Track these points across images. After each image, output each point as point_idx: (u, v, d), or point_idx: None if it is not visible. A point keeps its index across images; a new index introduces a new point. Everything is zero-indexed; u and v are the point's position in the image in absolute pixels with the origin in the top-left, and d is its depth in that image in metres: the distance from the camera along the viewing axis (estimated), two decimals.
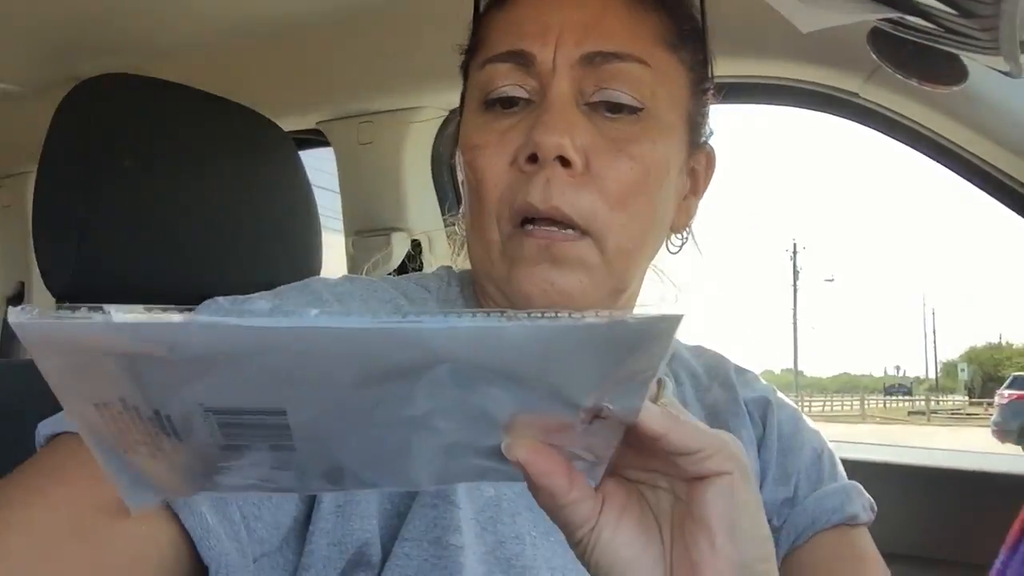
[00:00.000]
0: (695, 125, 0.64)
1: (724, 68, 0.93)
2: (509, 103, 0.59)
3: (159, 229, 0.83)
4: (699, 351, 0.75)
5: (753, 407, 0.70)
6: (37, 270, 0.81)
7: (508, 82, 0.59)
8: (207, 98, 0.89)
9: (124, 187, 0.80)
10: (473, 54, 0.64)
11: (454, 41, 0.67)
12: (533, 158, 0.56)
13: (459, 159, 0.63)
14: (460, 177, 0.64)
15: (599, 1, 0.60)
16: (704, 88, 0.65)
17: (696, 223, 0.68)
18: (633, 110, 0.58)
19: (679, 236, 0.68)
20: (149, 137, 0.84)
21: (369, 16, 1.05)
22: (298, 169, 0.96)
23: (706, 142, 0.67)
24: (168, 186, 0.84)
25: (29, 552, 0.39)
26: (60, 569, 0.40)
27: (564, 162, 0.55)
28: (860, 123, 0.91)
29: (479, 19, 0.65)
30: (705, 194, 0.68)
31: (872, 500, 0.68)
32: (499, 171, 0.58)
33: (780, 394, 0.73)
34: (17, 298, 1.55)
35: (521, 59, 0.58)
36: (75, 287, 0.79)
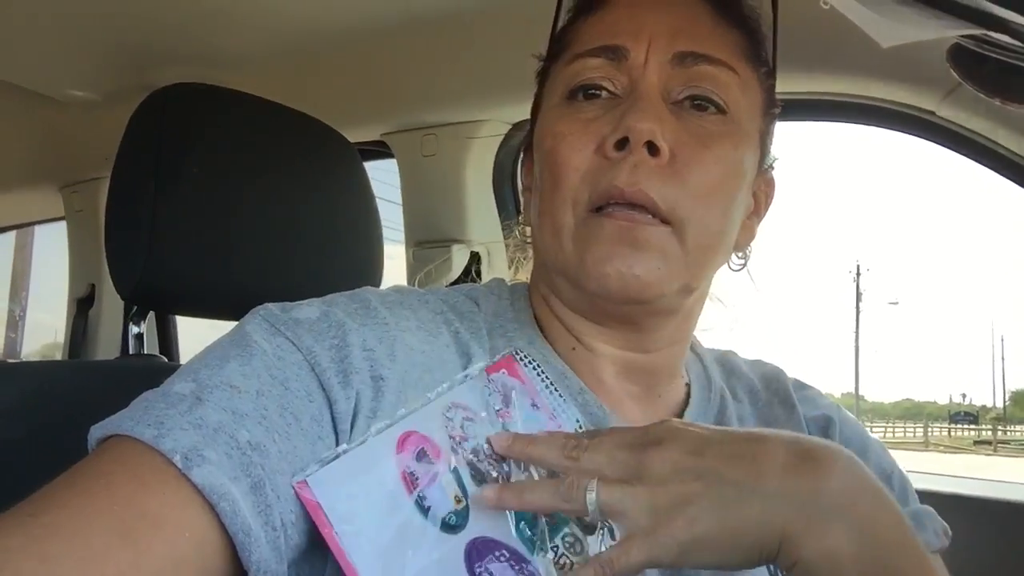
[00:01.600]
0: (764, 146, 0.64)
1: (797, 84, 0.92)
2: (594, 94, 0.60)
3: (224, 235, 0.84)
4: (758, 365, 0.73)
5: (814, 426, 0.68)
6: (108, 273, 0.84)
7: (598, 74, 0.60)
8: (275, 108, 0.90)
9: (192, 194, 0.82)
10: (555, 59, 0.64)
11: (520, 54, 0.67)
12: (622, 143, 0.56)
13: (536, 151, 0.63)
14: (523, 183, 0.63)
15: (689, 9, 0.61)
16: (772, 112, 0.65)
17: (755, 247, 0.68)
18: (719, 110, 0.59)
19: (739, 256, 0.67)
20: (218, 146, 0.85)
21: (435, 29, 1.06)
22: (362, 179, 0.97)
23: (770, 167, 0.67)
24: (234, 194, 0.85)
25: (73, 557, 0.40)
26: (103, 573, 0.40)
27: (651, 151, 0.56)
28: (935, 142, 0.88)
29: (565, 27, 0.66)
30: (764, 220, 0.68)
31: (946, 525, 0.65)
32: (582, 157, 0.58)
33: (845, 411, 0.71)
34: (87, 300, 1.59)
35: (614, 54, 0.59)
36: (143, 290, 0.81)
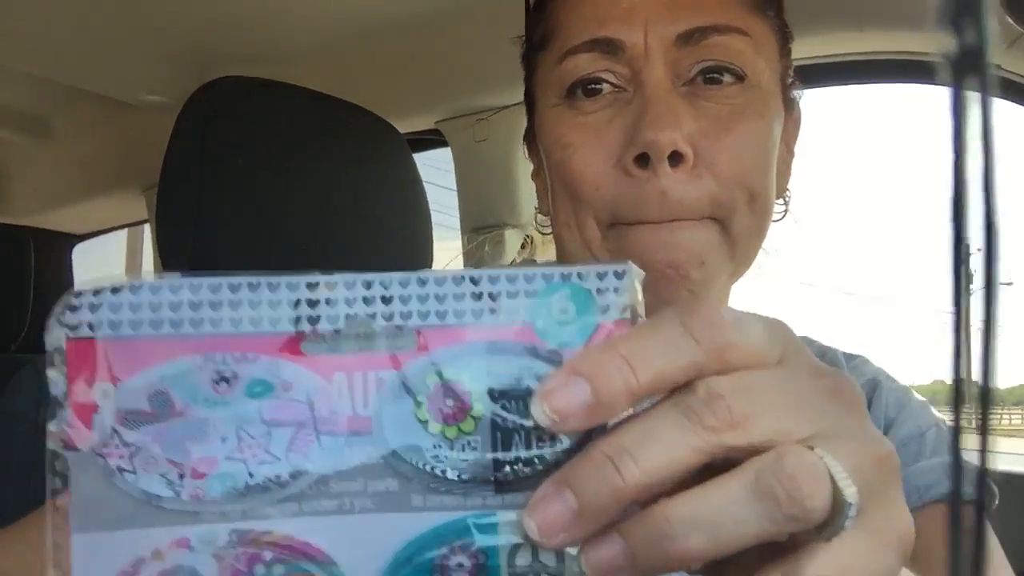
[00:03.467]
0: (786, 87, 0.60)
1: (846, 45, 0.88)
2: (594, 89, 0.55)
3: (272, 226, 0.86)
4: (807, 342, 0.70)
5: (864, 391, 0.65)
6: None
7: (594, 67, 0.55)
8: (320, 98, 0.91)
9: (238, 187, 0.83)
10: (542, 47, 0.59)
11: None
12: (642, 158, 0.51)
13: (543, 151, 0.59)
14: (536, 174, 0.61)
15: None
16: (788, 48, 0.60)
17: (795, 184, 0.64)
18: (736, 77, 0.54)
19: (781, 201, 0.63)
20: (265, 137, 0.87)
21: (486, 11, 1.05)
22: (411, 170, 0.98)
23: (795, 100, 0.62)
24: (281, 185, 0.87)
25: None
26: None
27: (675, 158, 0.51)
28: (1004, 98, 0.83)
29: (542, 5, 0.61)
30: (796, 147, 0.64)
31: (992, 484, 0.61)
32: (600, 173, 0.53)
33: (889, 375, 0.68)
34: None
35: (607, 47, 0.54)
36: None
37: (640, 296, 0.26)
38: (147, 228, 2.00)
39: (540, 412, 0.24)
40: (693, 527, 0.23)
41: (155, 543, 0.25)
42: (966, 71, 0.14)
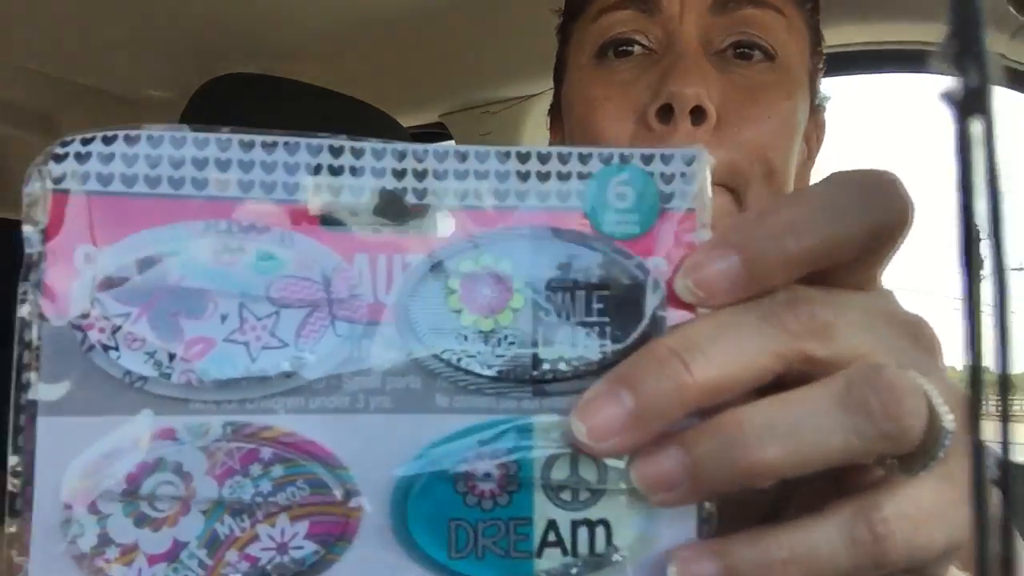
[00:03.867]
0: (814, 88, 0.60)
1: (850, 36, 0.87)
2: (625, 51, 0.55)
3: None
4: None
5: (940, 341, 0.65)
6: None
7: (629, 27, 0.55)
8: (322, 93, 0.92)
9: None
10: (578, 14, 0.60)
11: None
12: (665, 111, 0.51)
13: (566, 117, 0.60)
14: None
15: None
16: (819, 51, 0.61)
17: None
18: (767, 55, 0.54)
19: None
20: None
21: (490, 2, 1.05)
22: None
23: (820, 106, 0.62)
24: None
25: None
26: None
27: (698, 115, 0.51)
28: (1008, 87, 0.82)
29: None
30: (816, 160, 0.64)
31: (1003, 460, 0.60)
32: (623, 127, 0.53)
33: None
34: None
35: (644, 6, 0.54)
36: None
37: (709, 186, 0.24)
38: None
39: (683, 287, 0.22)
40: (770, 435, 0.21)
41: (136, 431, 0.21)
42: (971, 110, 0.14)
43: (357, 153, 0.23)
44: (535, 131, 1.19)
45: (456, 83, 1.21)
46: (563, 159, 0.23)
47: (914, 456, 0.22)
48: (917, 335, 0.24)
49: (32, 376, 0.21)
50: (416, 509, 0.22)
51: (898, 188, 0.23)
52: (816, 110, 0.61)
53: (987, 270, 0.14)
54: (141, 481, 0.21)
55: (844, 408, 0.21)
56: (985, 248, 0.14)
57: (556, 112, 0.65)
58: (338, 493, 0.22)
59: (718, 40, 0.54)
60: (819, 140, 0.63)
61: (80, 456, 0.21)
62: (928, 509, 0.22)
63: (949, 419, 0.22)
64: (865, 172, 0.23)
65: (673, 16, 0.54)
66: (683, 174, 0.23)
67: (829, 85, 0.65)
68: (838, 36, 0.88)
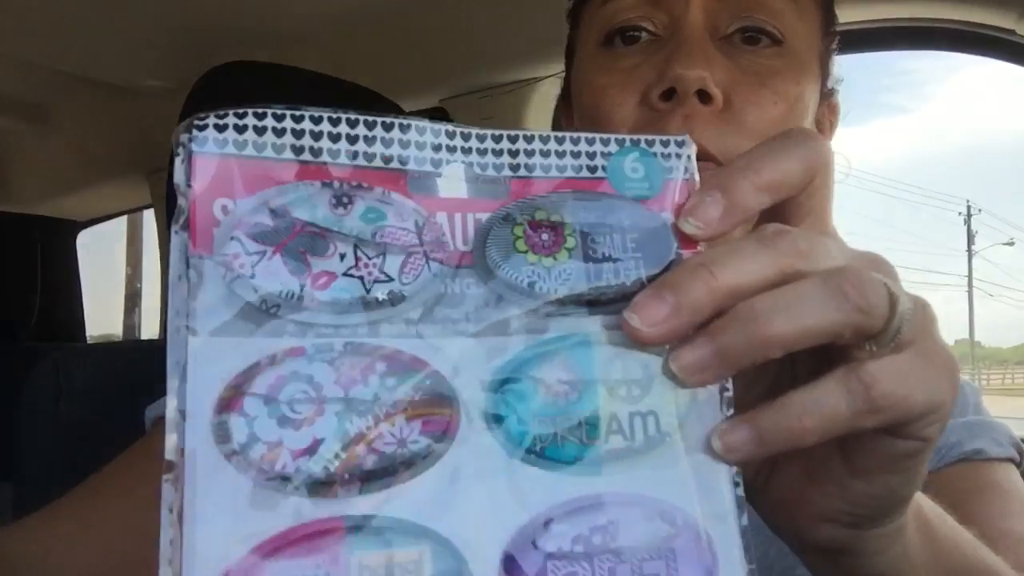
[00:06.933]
0: (825, 70, 0.59)
1: (864, 12, 0.87)
2: (633, 38, 0.55)
3: None
4: None
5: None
6: None
7: (635, 13, 0.55)
8: (323, 80, 0.91)
9: None
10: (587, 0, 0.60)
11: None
12: (669, 94, 0.51)
13: (575, 103, 0.60)
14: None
15: None
16: (832, 31, 0.60)
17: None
18: (774, 41, 0.54)
19: None
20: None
21: None
22: None
23: (833, 90, 0.62)
24: None
25: (126, 542, 0.41)
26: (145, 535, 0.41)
27: (703, 98, 0.51)
28: (1016, 63, 0.82)
29: None
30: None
31: (1015, 436, 0.60)
32: (627, 110, 0.53)
33: None
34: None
35: None
36: None
37: (695, 161, 0.31)
38: (148, 215, 2.01)
39: (686, 224, 0.30)
40: (775, 313, 0.27)
41: (272, 349, 0.25)
42: None
43: (437, 133, 0.29)
44: (535, 115, 1.18)
45: (456, 68, 1.20)
46: (590, 142, 0.31)
47: (885, 333, 0.28)
48: (876, 259, 0.31)
49: (186, 304, 0.25)
50: (505, 404, 0.27)
51: (818, 137, 0.32)
52: (829, 93, 0.61)
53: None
54: (280, 389, 0.25)
55: (825, 292, 0.27)
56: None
57: (567, 95, 0.65)
58: (441, 397, 0.26)
59: (724, 25, 0.54)
60: (832, 123, 0.63)
61: (228, 371, 0.25)
62: (906, 372, 0.28)
63: (905, 300, 0.28)
64: (798, 129, 0.32)
65: (679, 1, 0.54)
66: (677, 154, 0.31)
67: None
68: (853, 13, 0.87)
